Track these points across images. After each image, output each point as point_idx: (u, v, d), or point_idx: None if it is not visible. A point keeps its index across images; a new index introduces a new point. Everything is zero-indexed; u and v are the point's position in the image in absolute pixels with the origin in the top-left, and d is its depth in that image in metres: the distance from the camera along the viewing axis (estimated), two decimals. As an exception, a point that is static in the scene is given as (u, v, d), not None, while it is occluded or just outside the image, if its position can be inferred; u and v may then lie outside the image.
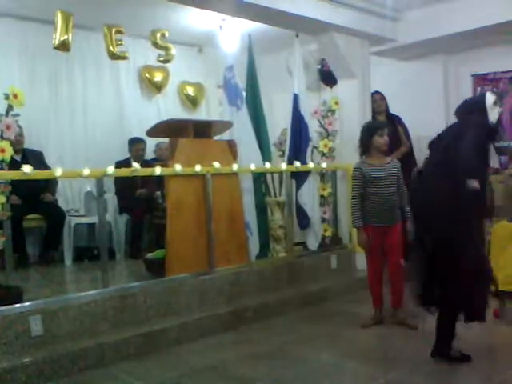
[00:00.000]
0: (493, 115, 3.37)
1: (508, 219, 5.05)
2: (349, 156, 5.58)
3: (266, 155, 5.37)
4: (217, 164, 4.50)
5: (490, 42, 5.66)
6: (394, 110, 5.99)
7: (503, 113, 5.91)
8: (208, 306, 4.22)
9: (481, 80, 6.12)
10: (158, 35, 4.69)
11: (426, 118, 5.81)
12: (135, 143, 6.07)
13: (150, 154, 6.33)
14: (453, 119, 5.86)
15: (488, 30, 5.24)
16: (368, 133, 4.18)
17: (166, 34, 4.74)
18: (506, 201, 5.36)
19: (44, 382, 3.20)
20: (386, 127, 4.21)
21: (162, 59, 4.74)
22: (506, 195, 5.40)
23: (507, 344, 3.76)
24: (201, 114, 7.03)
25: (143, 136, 5.44)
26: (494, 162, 5.74)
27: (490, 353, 3.62)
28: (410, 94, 6.16)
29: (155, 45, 4.71)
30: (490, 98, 3.39)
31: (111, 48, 4.46)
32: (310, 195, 5.41)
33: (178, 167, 4.24)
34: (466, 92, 6.19)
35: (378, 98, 5.96)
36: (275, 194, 5.51)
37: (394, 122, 5.95)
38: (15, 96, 3.61)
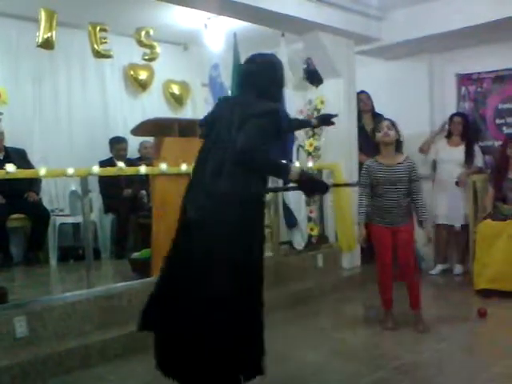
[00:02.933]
0: None
1: (492, 218, 5.12)
2: (334, 155, 5.62)
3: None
4: (203, 163, 4.47)
5: (475, 42, 5.69)
6: (379, 109, 6.03)
7: (487, 111, 6.00)
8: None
9: (465, 79, 6.16)
10: (143, 33, 4.69)
11: (411, 116, 5.84)
12: (116, 143, 6.00)
13: (133, 153, 6.29)
14: (437, 118, 5.91)
15: (472, 30, 5.26)
16: (372, 133, 4.16)
17: (151, 32, 4.74)
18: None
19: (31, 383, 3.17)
20: (384, 121, 4.07)
21: (146, 57, 4.74)
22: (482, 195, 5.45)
23: (492, 343, 3.79)
24: (186, 113, 7.00)
25: (128, 135, 5.40)
26: (479, 161, 5.79)
27: (475, 353, 3.64)
28: (396, 93, 6.19)
29: (140, 43, 4.71)
30: None
31: (96, 46, 4.44)
32: (296, 194, 5.41)
33: (163, 166, 4.21)
34: (451, 91, 6.24)
35: (363, 98, 6.00)
36: (261, 193, 5.50)
37: (380, 120, 5.98)
38: (-2, 94, 3.57)
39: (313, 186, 2.71)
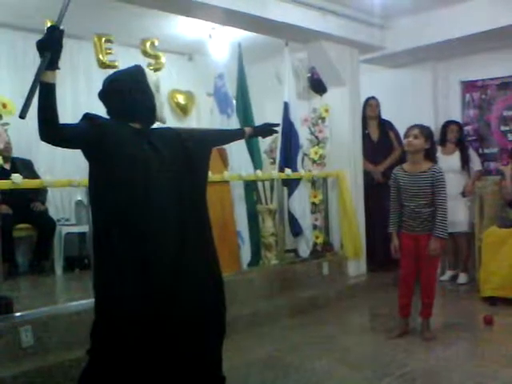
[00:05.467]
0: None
1: (497, 225, 5.10)
2: (339, 163, 5.63)
3: (256, 163, 5.37)
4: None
5: (479, 49, 5.70)
6: (384, 116, 6.04)
7: (492, 118, 6.00)
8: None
9: (470, 87, 6.17)
10: (148, 44, 4.71)
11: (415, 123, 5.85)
12: None
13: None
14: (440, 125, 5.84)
15: (476, 37, 5.28)
16: (401, 140, 4.14)
17: (156, 43, 4.76)
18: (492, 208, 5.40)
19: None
20: (410, 129, 3.93)
21: (152, 68, 4.75)
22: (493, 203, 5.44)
23: (499, 350, 3.77)
24: (191, 122, 7.03)
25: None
26: (476, 165, 5.79)
27: (482, 360, 3.61)
28: (400, 100, 6.21)
29: (145, 53, 4.73)
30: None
31: (101, 57, 4.47)
32: (301, 202, 5.42)
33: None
34: (455, 99, 6.25)
35: (373, 104, 6.01)
36: (266, 201, 5.52)
37: (386, 127, 6.00)
38: (4, 105, 3.62)
39: None
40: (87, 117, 2.49)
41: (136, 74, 2.57)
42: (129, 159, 2.39)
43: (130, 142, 2.45)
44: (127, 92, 2.49)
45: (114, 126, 2.48)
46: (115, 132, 2.44)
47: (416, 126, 3.96)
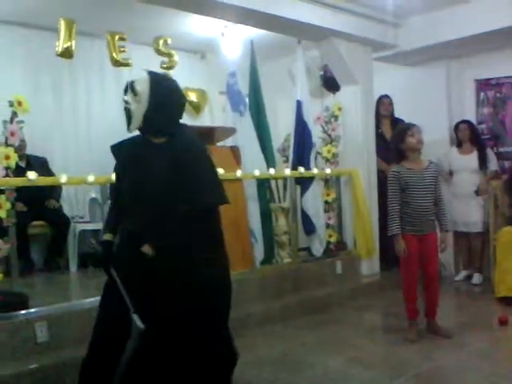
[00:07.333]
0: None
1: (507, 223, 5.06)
2: (352, 161, 5.61)
3: (269, 161, 5.37)
4: (220, 170, 4.49)
5: (493, 47, 5.66)
6: (397, 115, 6.01)
7: (507, 117, 5.95)
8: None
9: (484, 85, 6.12)
10: (161, 42, 4.72)
11: (429, 122, 5.77)
12: None
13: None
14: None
15: (491, 35, 5.23)
16: (398, 137, 4.01)
17: (169, 41, 4.76)
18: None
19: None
20: (414, 126, 3.95)
21: (164, 66, 4.76)
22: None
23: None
24: (204, 120, 7.04)
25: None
26: (493, 164, 5.75)
27: (496, 361, 3.58)
28: (413, 98, 6.17)
29: (158, 51, 4.73)
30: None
31: (114, 55, 4.48)
32: (314, 201, 5.41)
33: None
34: (469, 97, 6.21)
35: (386, 102, 5.99)
36: (279, 199, 5.51)
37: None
38: (19, 103, 3.63)
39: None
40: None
41: None
42: None
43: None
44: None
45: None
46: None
47: (413, 124, 4.00)
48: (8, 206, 3.46)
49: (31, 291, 4.05)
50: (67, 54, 4.08)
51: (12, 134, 3.60)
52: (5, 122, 3.63)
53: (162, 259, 2.37)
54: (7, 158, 3.51)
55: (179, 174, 2.41)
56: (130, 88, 2.54)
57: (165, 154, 2.48)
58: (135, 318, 2.36)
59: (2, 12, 5.20)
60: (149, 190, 2.45)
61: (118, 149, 2.74)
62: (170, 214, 2.38)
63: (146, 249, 2.37)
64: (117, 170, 2.72)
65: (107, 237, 2.66)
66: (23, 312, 3.41)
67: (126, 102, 2.56)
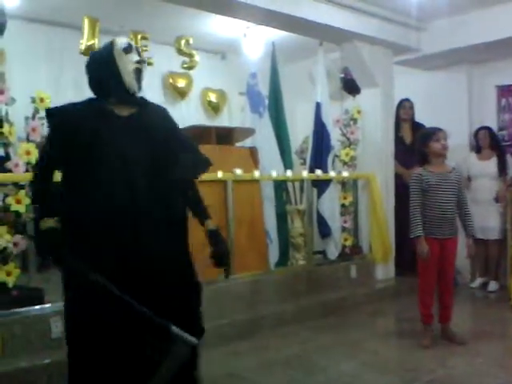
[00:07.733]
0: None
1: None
2: (370, 165, 5.58)
3: (287, 163, 5.37)
4: (238, 171, 4.51)
5: (516, 52, 5.61)
6: (417, 119, 5.98)
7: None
8: (226, 313, 4.20)
9: (505, 91, 6.06)
10: (183, 42, 4.76)
11: (449, 128, 5.69)
12: None
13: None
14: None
15: (512, 40, 5.19)
16: (422, 141, 3.98)
17: (191, 41, 4.80)
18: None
19: (65, 383, 3.22)
20: (440, 131, 3.94)
21: (185, 66, 4.79)
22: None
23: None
24: (223, 121, 7.05)
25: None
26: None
27: (511, 369, 3.55)
28: (434, 103, 6.13)
29: (180, 51, 4.77)
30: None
31: (136, 54, 4.50)
32: (330, 204, 5.39)
33: (199, 173, 4.24)
34: (491, 103, 6.15)
35: (407, 106, 5.97)
36: (296, 201, 5.51)
37: (419, 130, 5.93)
38: (41, 100, 3.67)
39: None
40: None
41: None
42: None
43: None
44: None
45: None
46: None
47: (438, 129, 3.98)
48: (27, 201, 3.49)
49: (48, 286, 4.08)
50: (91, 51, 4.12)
51: (33, 130, 3.64)
52: (27, 118, 3.67)
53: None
54: (28, 153, 3.55)
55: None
56: (135, 49, 2.55)
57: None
58: (178, 331, 1.92)
59: (25, 10, 5.26)
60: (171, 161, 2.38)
61: (65, 114, 2.47)
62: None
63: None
64: (70, 137, 2.31)
65: (50, 223, 2.32)
66: (38, 307, 3.45)
67: (141, 62, 2.52)
